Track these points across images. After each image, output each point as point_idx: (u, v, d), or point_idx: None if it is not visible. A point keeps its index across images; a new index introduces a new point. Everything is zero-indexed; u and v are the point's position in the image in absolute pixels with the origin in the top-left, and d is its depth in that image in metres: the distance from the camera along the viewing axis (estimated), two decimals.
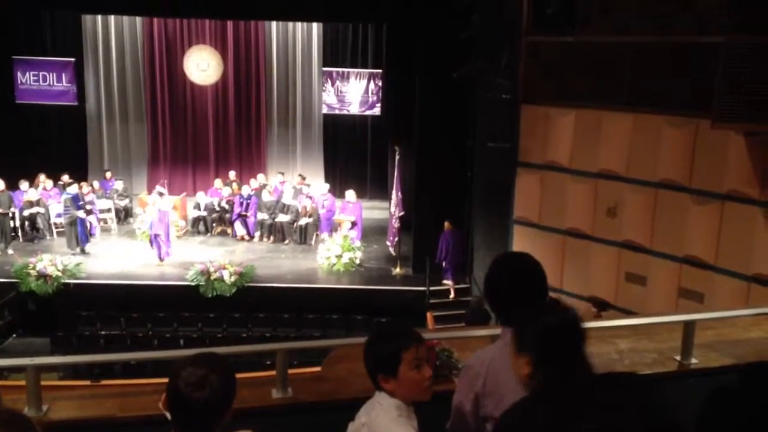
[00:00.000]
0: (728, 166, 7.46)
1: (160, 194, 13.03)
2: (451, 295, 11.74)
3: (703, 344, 3.96)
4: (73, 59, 15.79)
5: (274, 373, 3.63)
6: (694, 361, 3.82)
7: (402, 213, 12.47)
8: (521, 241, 9.82)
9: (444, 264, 11.76)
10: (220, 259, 12.01)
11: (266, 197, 14.08)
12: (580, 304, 8.84)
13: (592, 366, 1.95)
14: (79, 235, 12.61)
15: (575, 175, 9.18)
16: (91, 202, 13.53)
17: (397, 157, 12.67)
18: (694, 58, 7.71)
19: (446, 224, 11.76)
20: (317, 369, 3.90)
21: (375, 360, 2.30)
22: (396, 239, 12.58)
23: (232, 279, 11.49)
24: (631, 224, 8.58)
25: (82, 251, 12.63)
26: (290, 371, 3.69)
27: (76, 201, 12.63)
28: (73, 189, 13.01)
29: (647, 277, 8.39)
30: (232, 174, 15.45)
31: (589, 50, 8.77)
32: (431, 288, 11.51)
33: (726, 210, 7.56)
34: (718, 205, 7.60)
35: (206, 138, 16.60)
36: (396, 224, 12.54)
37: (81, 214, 12.56)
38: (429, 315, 10.97)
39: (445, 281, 11.80)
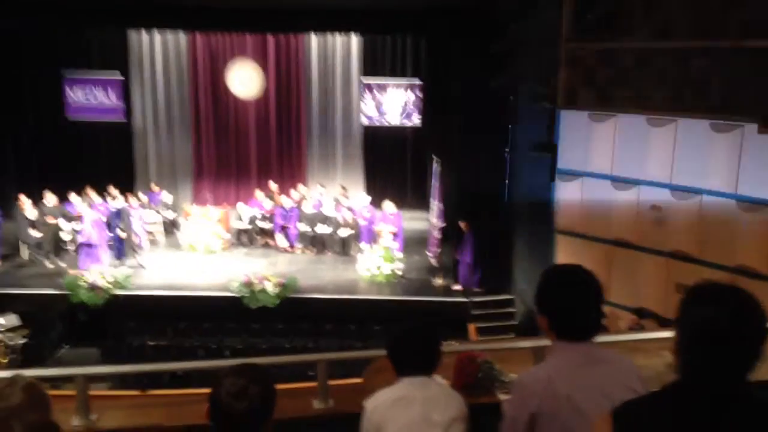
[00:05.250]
0: None
1: (91, 205, 13.16)
2: (456, 287, 11.84)
3: None
4: (120, 76, 16.24)
5: (315, 384, 3.65)
6: None
7: (443, 224, 12.42)
8: (565, 252, 9.69)
9: (460, 262, 11.79)
10: (263, 270, 12.15)
11: (307, 209, 14.20)
12: (624, 315, 8.68)
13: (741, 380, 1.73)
14: (116, 249, 12.87)
15: (619, 183, 9.03)
16: (138, 216, 13.78)
17: (436, 168, 12.64)
18: (739, 63, 7.53)
19: (463, 225, 11.72)
20: (359, 380, 3.91)
21: None
22: (437, 250, 12.53)
23: (276, 290, 11.60)
24: (679, 233, 8.39)
25: (122, 264, 12.85)
26: (332, 382, 3.70)
27: (116, 217, 12.87)
28: (119, 203, 13.29)
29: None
30: (273, 186, 15.64)
31: (631, 56, 8.64)
32: (473, 299, 11.43)
33: None
34: None
35: (248, 150, 16.85)
36: (437, 235, 12.50)
37: (119, 231, 12.80)
38: (471, 326, 10.89)
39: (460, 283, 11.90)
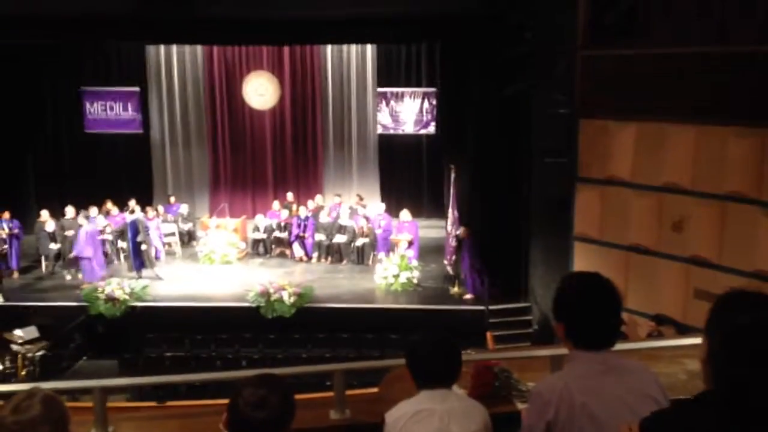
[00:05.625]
0: None
1: (87, 217, 13.08)
2: (468, 296, 11.85)
3: None
4: (137, 89, 16.40)
5: (332, 394, 3.64)
6: None
7: (459, 231, 12.37)
8: (582, 258, 9.62)
9: (464, 270, 11.86)
10: (280, 280, 12.16)
11: (323, 218, 14.21)
12: (642, 321, 8.58)
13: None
14: (132, 261, 12.93)
15: (638, 189, 8.95)
16: (155, 228, 13.86)
17: (452, 175, 12.61)
18: (757, 67, 7.45)
19: (462, 232, 11.84)
20: (376, 390, 3.88)
21: None
22: (453, 258, 12.49)
23: (292, 300, 11.60)
24: (698, 239, 8.29)
25: (139, 277, 12.88)
26: (349, 392, 3.68)
27: (132, 228, 12.95)
28: (134, 216, 13.40)
29: (717, 293, 8.04)
30: (289, 196, 15.68)
31: (648, 62, 8.58)
32: (490, 307, 11.35)
33: None
34: None
35: (264, 161, 16.92)
36: (453, 243, 12.45)
37: (136, 241, 12.83)
38: (488, 335, 10.81)
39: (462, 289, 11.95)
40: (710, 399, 1.71)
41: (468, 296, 11.84)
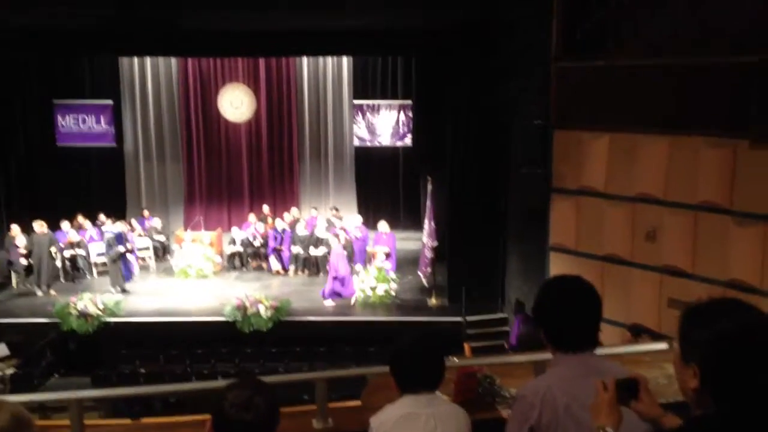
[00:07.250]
0: None
1: None
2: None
3: None
4: (111, 102, 16.23)
5: (314, 406, 3.61)
6: None
7: (435, 243, 12.39)
8: (558, 268, 9.67)
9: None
10: (256, 293, 12.05)
11: (300, 231, 14.15)
12: (619, 331, 8.64)
13: None
14: (123, 272, 12.76)
15: (611, 200, 9.05)
16: (131, 241, 13.75)
17: (429, 187, 12.65)
18: (729, 79, 7.59)
19: (336, 240, 12.67)
20: (358, 402, 3.86)
21: None
22: (429, 270, 12.50)
23: (268, 313, 11.50)
24: (671, 248, 8.39)
25: (123, 290, 12.73)
26: (330, 404, 3.66)
27: (119, 240, 12.81)
28: (117, 227, 13.27)
29: (691, 302, 8.14)
30: (265, 208, 15.59)
31: (621, 74, 8.70)
32: (468, 318, 11.37)
33: None
34: (762, 227, 7.40)
35: (240, 174, 16.83)
36: (429, 254, 12.46)
37: (121, 249, 12.71)
38: (466, 346, 10.81)
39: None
40: (721, 418, 1.61)
41: (329, 302, 12.19)
